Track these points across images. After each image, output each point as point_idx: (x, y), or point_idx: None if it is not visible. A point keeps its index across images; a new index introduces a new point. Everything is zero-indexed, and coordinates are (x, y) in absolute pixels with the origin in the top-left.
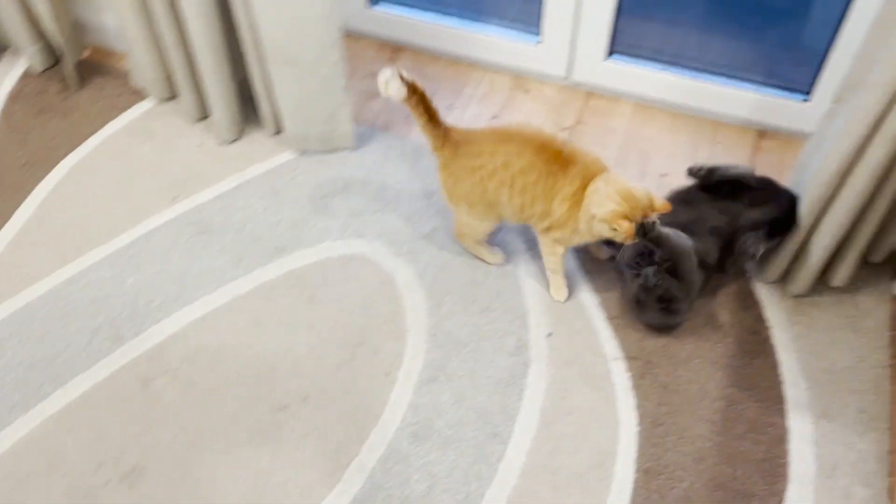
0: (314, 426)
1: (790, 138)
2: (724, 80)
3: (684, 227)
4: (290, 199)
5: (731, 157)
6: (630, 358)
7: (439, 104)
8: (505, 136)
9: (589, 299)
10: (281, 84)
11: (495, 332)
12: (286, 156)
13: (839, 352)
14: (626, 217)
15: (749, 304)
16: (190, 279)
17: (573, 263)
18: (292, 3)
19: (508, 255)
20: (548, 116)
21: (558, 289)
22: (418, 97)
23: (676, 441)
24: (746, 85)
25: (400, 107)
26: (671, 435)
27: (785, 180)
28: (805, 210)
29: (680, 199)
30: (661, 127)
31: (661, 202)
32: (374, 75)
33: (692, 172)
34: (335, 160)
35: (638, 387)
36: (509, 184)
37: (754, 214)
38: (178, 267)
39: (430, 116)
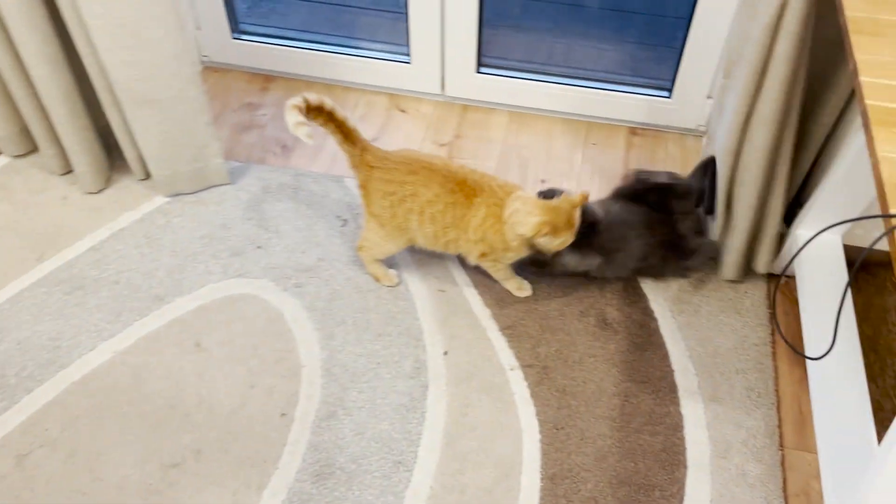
0: (210, 480)
1: (658, 132)
2: (593, 83)
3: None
4: (166, 245)
5: (606, 154)
6: (526, 366)
7: (317, 131)
8: (414, 166)
9: (481, 311)
10: (141, 126)
11: (392, 356)
12: (158, 200)
13: (723, 335)
14: (551, 225)
15: (635, 298)
16: (65, 341)
17: (464, 278)
18: (142, 42)
19: (400, 276)
20: (427, 133)
21: (518, 289)
22: (326, 116)
23: (579, 443)
24: (615, 87)
25: (274, 138)
26: (573, 438)
27: (647, 164)
28: (721, 177)
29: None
30: (537, 133)
31: (578, 196)
32: (246, 107)
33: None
34: (211, 199)
35: (536, 394)
36: (418, 212)
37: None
38: (51, 329)
39: (345, 135)
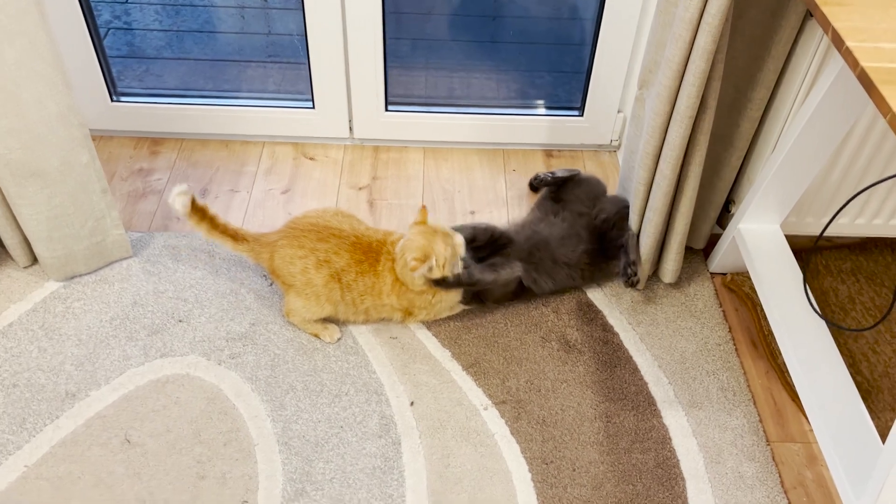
0: None
1: (574, 151)
2: (505, 111)
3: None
4: (69, 334)
5: (528, 178)
6: (500, 403)
7: (221, 190)
8: (323, 233)
9: (440, 353)
10: (26, 203)
11: (354, 417)
12: (51, 286)
13: (684, 339)
14: (424, 252)
15: (591, 315)
16: None
17: (416, 324)
18: (21, 105)
19: (343, 329)
20: (342, 178)
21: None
22: (209, 222)
23: (572, 474)
24: (527, 112)
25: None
26: (565, 470)
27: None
28: (642, 182)
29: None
30: (455, 166)
31: (419, 212)
32: (137, 173)
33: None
34: (114, 276)
35: (517, 430)
36: (337, 279)
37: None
38: None
39: (232, 237)
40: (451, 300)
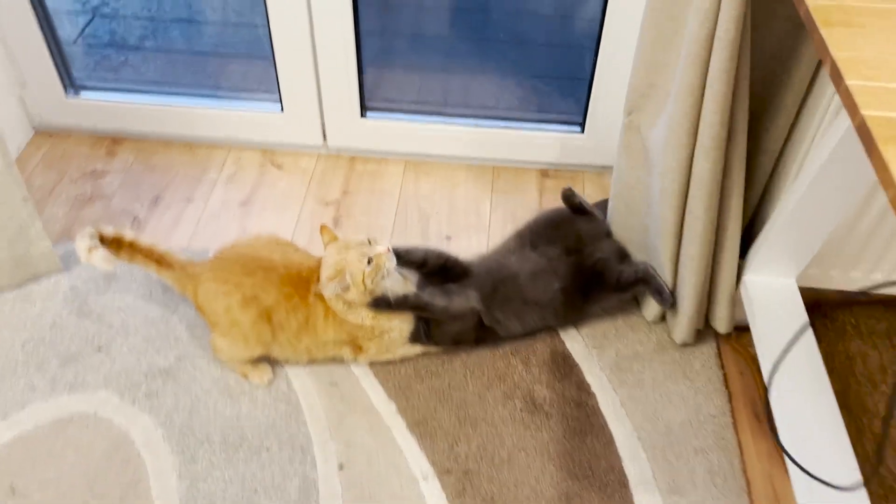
0: None
1: (572, 172)
2: (497, 122)
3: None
4: None
5: (517, 200)
6: (443, 472)
7: (174, 199)
8: (250, 266)
9: (384, 406)
10: None
11: (272, 478)
12: None
13: (673, 406)
14: (336, 268)
15: (566, 370)
16: None
17: (362, 367)
18: None
19: (276, 370)
20: (310, 190)
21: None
22: (128, 248)
23: None
24: (522, 125)
25: (123, 209)
26: None
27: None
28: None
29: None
30: (437, 182)
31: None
32: (89, 175)
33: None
34: (37, 293)
35: None
36: (267, 318)
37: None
38: None
39: (158, 262)
40: (399, 330)
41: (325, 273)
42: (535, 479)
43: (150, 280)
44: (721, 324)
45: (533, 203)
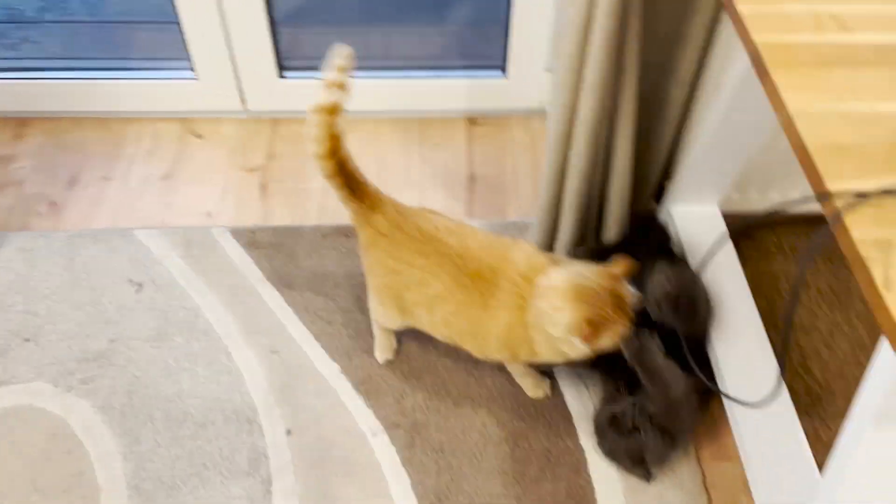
0: None
1: (500, 118)
2: (419, 73)
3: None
4: None
5: (447, 152)
6: (392, 427)
7: (92, 178)
8: (427, 247)
9: (328, 369)
10: None
11: (220, 451)
12: None
13: None
14: (590, 319)
15: None
16: None
17: (300, 330)
18: None
19: (214, 344)
20: (232, 159)
21: (533, 388)
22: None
23: None
24: (444, 73)
25: (37, 194)
26: None
27: (507, 161)
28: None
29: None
30: (363, 138)
31: (618, 265)
32: None
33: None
34: None
35: (409, 460)
36: (427, 306)
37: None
38: None
39: (352, 189)
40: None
41: (565, 317)
42: (482, 423)
43: (72, 263)
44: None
45: (462, 153)
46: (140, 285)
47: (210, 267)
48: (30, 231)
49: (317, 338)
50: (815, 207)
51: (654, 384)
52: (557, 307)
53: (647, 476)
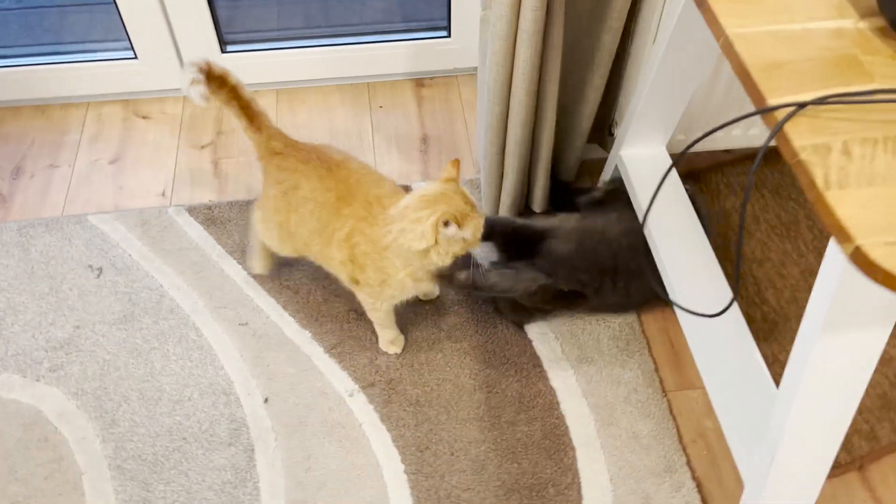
0: None
1: (447, 78)
2: (363, 39)
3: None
4: None
5: (398, 115)
6: (367, 386)
7: (38, 166)
8: (310, 155)
9: (298, 336)
10: None
11: (199, 425)
12: None
13: None
14: (448, 214)
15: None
16: None
17: (267, 301)
18: None
19: (182, 320)
20: (183, 137)
21: (389, 342)
22: (228, 91)
23: (450, 459)
24: (389, 38)
25: None
26: (442, 455)
27: (457, 119)
28: (490, 128)
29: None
30: (313, 108)
31: (453, 170)
32: None
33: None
34: None
35: (387, 416)
36: (294, 209)
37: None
38: None
39: (249, 119)
40: (400, 297)
41: (428, 222)
42: (455, 375)
43: (27, 254)
44: (538, 204)
45: (413, 115)
46: (100, 270)
47: (170, 246)
48: None
49: (284, 307)
50: (756, 143)
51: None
52: (417, 218)
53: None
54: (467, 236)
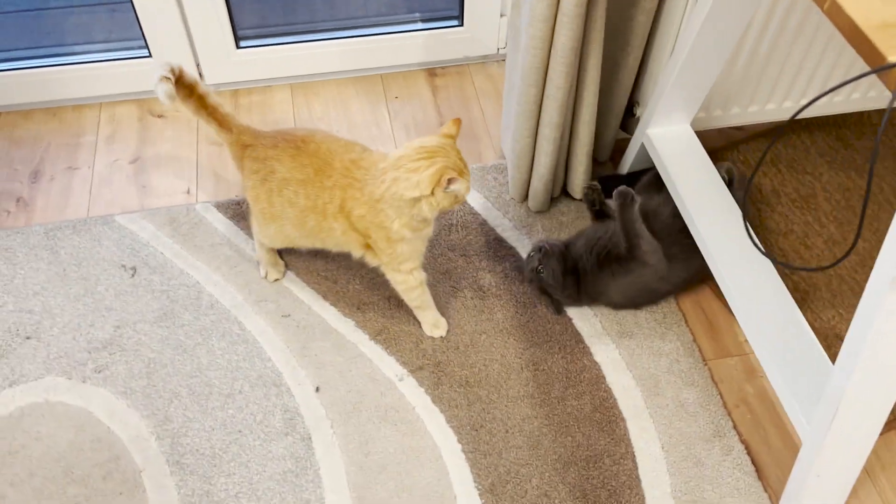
0: None
1: (459, 67)
2: (376, 30)
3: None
4: None
5: (414, 105)
6: (416, 370)
7: (56, 169)
8: (278, 139)
9: (342, 325)
10: None
11: (253, 417)
12: None
13: None
14: (448, 167)
15: (502, 252)
16: None
17: (308, 293)
18: None
19: (224, 315)
20: (199, 134)
21: (432, 325)
22: (197, 99)
23: (505, 437)
24: (401, 28)
25: (3, 192)
26: (496, 433)
27: (474, 107)
28: (522, 113)
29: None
30: (329, 101)
31: (454, 128)
32: None
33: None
34: None
35: (439, 398)
36: (278, 193)
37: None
38: None
39: (219, 122)
40: (414, 250)
41: (426, 172)
42: (500, 355)
43: (57, 257)
44: (577, 191)
45: (429, 104)
46: (134, 269)
47: (202, 243)
48: (2, 230)
49: (324, 297)
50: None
51: (632, 244)
52: (413, 168)
53: (557, 310)
54: (463, 190)
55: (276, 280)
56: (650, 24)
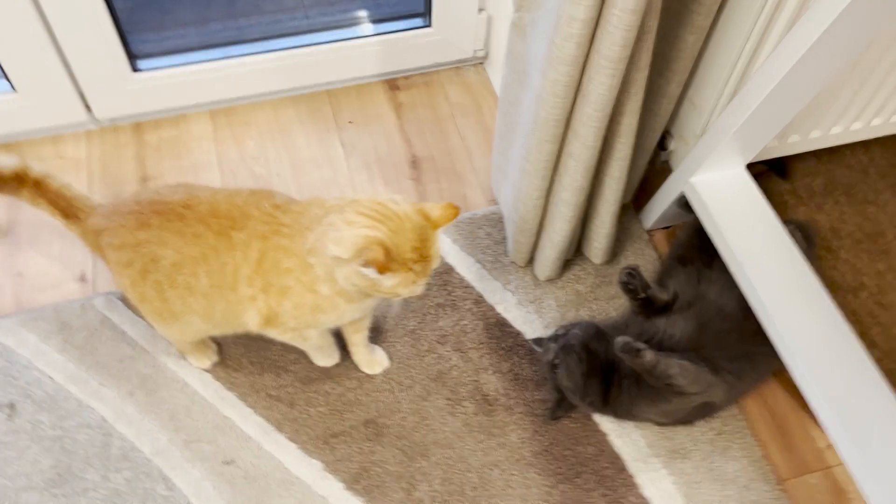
0: None
1: (427, 76)
2: (318, 36)
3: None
4: None
5: (373, 130)
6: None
7: None
8: (145, 215)
9: (308, 472)
10: None
11: None
12: None
13: None
14: (383, 245)
15: (509, 342)
16: None
17: (256, 423)
18: None
19: (144, 469)
20: (94, 184)
21: (368, 364)
22: (32, 188)
23: None
24: (352, 32)
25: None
26: None
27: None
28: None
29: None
30: (264, 130)
31: (441, 211)
32: None
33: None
34: None
35: None
36: (169, 284)
37: None
38: None
39: (64, 212)
40: (330, 322)
41: (355, 232)
42: (521, 498)
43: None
44: (598, 255)
45: (393, 130)
46: (11, 407)
47: (106, 357)
48: None
49: (279, 428)
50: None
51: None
52: (351, 221)
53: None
54: (387, 285)
55: (212, 364)
56: (700, 43)
